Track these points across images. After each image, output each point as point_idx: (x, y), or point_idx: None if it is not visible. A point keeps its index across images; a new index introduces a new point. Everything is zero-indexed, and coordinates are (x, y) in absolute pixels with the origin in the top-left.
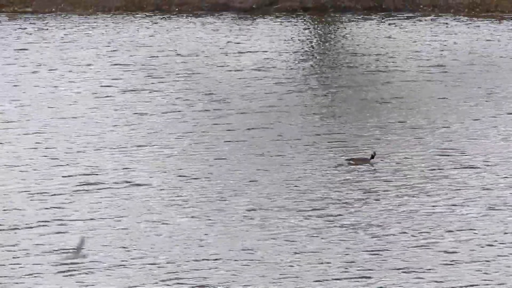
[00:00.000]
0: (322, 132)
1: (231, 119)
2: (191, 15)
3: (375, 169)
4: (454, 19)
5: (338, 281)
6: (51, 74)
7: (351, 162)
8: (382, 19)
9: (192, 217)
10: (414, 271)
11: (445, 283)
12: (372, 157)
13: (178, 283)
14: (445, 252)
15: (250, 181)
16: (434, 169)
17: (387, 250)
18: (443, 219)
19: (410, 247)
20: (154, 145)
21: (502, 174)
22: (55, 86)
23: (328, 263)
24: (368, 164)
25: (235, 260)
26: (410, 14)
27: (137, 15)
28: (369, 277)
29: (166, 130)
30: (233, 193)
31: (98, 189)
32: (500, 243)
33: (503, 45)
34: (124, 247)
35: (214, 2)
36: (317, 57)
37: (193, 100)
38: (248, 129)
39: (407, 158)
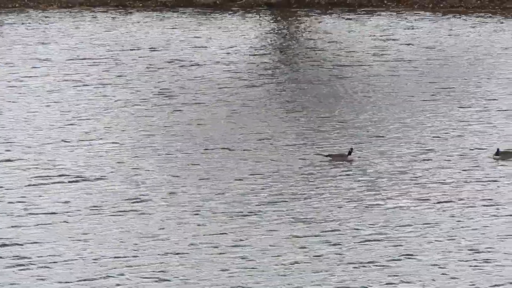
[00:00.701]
0: (283, 126)
1: (186, 114)
2: (154, 10)
3: (350, 164)
4: (417, 15)
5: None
6: (9, 68)
7: (330, 158)
8: (346, 14)
9: (146, 212)
10: (369, 265)
11: (403, 277)
12: (350, 153)
13: (134, 275)
14: (398, 246)
15: (201, 179)
16: (395, 165)
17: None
18: (399, 214)
19: (365, 241)
20: (108, 140)
21: (460, 168)
22: (12, 81)
23: (279, 256)
24: (346, 161)
25: (187, 253)
26: (374, 9)
27: (99, 11)
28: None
29: (122, 125)
30: (187, 189)
31: (52, 182)
32: (455, 239)
33: (464, 40)
34: (78, 240)
35: None
36: (279, 52)
37: (148, 95)
38: (203, 124)
39: (368, 153)
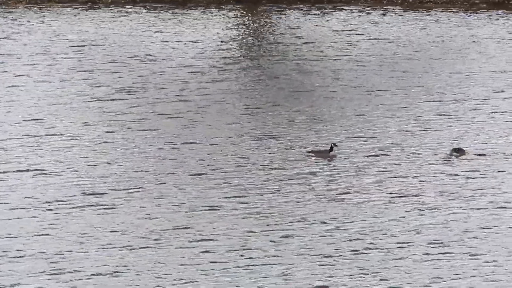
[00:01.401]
0: (248, 121)
1: (149, 109)
2: (122, 6)
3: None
4: (386, 9)
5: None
6: None
7: (311, 154)
8: (315, 9)
9: (107, 206)
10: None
11: (367, 270)
12: (331, 149)
13: (94, 270)
14: (362, 240)
15: (163, 174)
16: (359, 159)
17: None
18: (362, 208)
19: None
20: (69, 135)
21: (423, 163)
22: None
23: (242, 250)
24: (328, 157)
25: (149, 247)
26: (343, 4)
27: (67, 6)
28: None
29: (83, 120)
30: (149, 184)
31: (13, 177)
32: (419, 233)
33: (431, 35)
34: (38, 235)
35: None
36: (245, 47)
37: (111, 90)
38: (166, 119)
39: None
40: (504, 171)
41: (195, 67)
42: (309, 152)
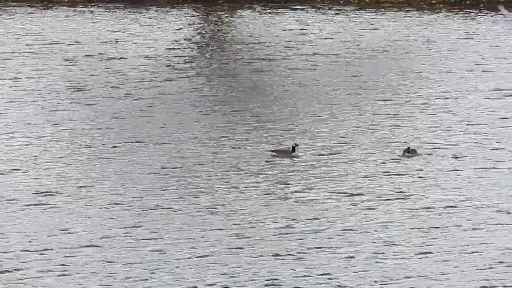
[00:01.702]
0: (201, 120)
1: (101, 107)
2: (78, 5)
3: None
4: (341, 10)
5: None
6: None
7: (274, 154)
8: (271, 9)
9: (57, 205)
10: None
11: (314, 269)
12: (294, 149)
13: (42, 269)
14: (310, 239)
15: (114, 173)
16: (309, 158)
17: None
18: (312, 207)
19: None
20: (19, 133)
21: (374, 162)
22: None
23: (192, 249)
24: (290, 157)
25: (99, 246)
26: (299, 5)
27: (23, 6)
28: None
29: (35, 118)
30: (100, 183)
31: None
32: (367, 231)
33: (385, 34)
34: None
35: None
36: (199, 47)
37: (63, 89)
38: (118, 118)
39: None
40: (453, 170)
41: (148, 66)
42: (272, 152)
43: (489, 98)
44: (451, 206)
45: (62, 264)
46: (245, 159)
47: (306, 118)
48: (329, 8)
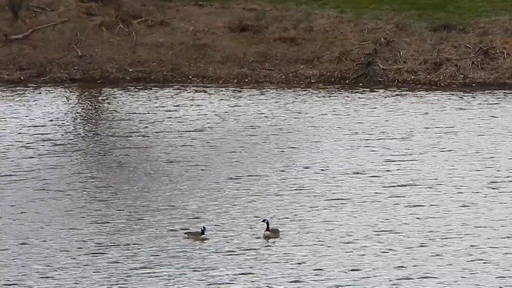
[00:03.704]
0: (59, 195)
1: None
2: None
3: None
4: (221, 89)
5: None
6: None
7: (186, 236)
8: (150, 89)
9: None
10: None
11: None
12: (203, 231)
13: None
14: None
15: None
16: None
17: None
18: None
19: None
20: None
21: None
22: None
23: None
24: (199, 240)
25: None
26: (179, 85)
27: None
28: None
29: None
30: None
31: None
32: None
33: (254, 112)
34: None
35: None
36: (73, 125)
37: None
38: None
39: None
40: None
41: (19, 142)
42: (185, 233)
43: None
44: None
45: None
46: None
47: (170, 192)
48: (209, 88)
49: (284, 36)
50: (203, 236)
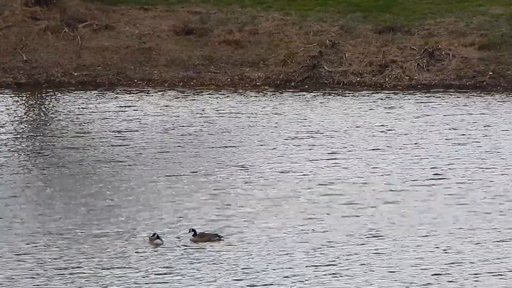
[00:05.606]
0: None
1: None
2: None
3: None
4: (167, 92)
5: None
6: None
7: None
8: (97, 93)
9: None
10: None
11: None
12: (158, 237)
13: None
14: None
15: None
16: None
17: None
18: None
19: None
20: None
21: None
22: None
23: None
24: (154, 244)
25: None
26: (125, 88)
27: None
28: None
29: None
30: None
31: None
32: None
33: (195, 112)
34: None
35: None
36: (23, 131)
37: None
38: None
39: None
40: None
41: None
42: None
43: None
44: None
45: None
46: None
47: (111, 192)
48: (152, 91)
49: (229, 39)
50: (157, 241)
